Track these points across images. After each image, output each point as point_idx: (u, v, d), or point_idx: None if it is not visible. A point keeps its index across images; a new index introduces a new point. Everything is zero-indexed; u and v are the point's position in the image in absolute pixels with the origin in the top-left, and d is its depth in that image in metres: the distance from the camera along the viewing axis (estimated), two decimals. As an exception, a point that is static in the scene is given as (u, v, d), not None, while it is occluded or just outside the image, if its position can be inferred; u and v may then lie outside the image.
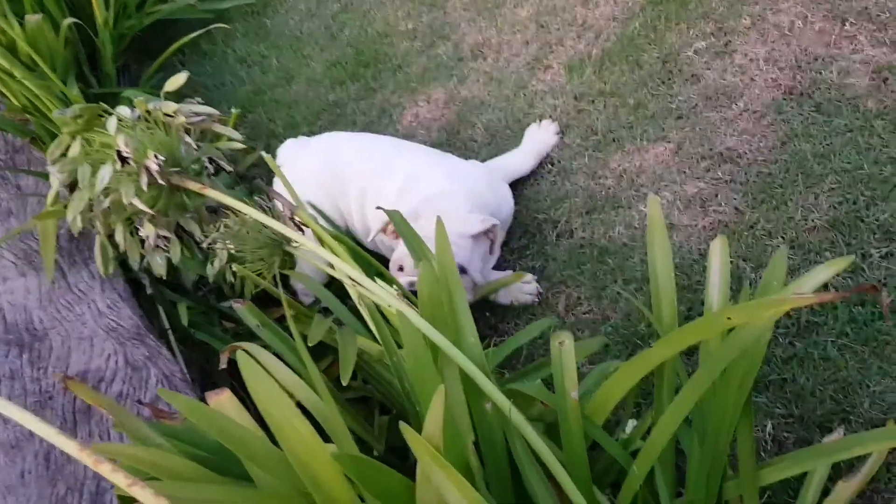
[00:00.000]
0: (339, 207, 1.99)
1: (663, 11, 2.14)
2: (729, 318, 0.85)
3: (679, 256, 1.69)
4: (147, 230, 1.08)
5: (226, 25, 3.13)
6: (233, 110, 2.12)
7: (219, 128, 1.14)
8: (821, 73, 1.81)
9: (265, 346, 1.79)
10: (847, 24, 1.87)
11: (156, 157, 1.05)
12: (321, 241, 1.34)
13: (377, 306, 1.27)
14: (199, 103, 1.12)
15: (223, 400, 1.02)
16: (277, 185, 1.74)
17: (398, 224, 1.54)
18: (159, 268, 1.12)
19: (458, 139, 2.27)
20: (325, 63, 2.86)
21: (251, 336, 1.81)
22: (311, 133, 2.64)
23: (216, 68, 3.20)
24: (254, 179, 2.65)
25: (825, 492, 1.18)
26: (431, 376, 1.00)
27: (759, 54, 1.93)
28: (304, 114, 2.74)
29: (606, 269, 1.76)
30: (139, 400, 1.32)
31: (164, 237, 1.10)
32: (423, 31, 2.67)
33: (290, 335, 1.81)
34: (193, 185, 1.12)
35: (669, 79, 2.00)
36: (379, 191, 1.86)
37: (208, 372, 1.90)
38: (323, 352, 1.64)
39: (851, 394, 1.34)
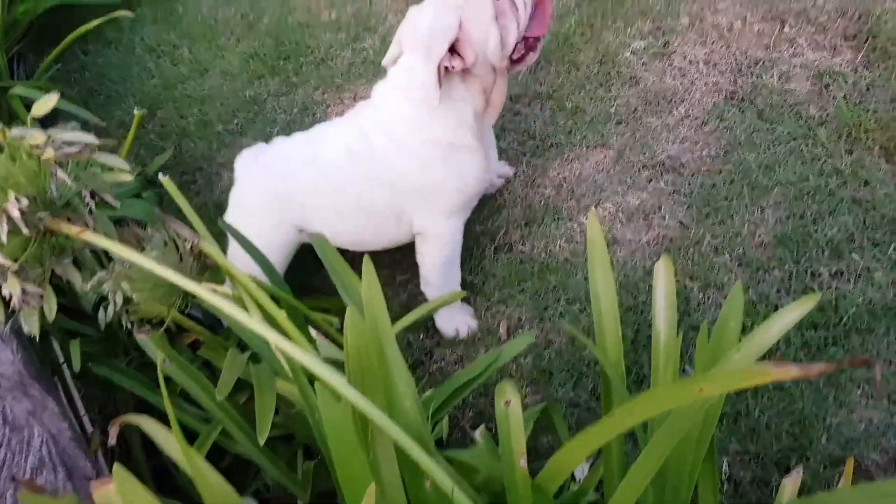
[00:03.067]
0: (296, 226, 1.65)
1: (600, 8, 2.03)
2: (701, 391, 0.75)
3: (623, 274, 1.59)
4: (11, 287, 0.89)
5: (130, 13, 2.85)
6: (135, 111, 1.90)
7: (102, 157, 0.96)
8: (761, 77, 1.74)
9: (162, 408, 1.61)
10: (786, 26, 1.81)
11: (17, 199, 0.86)
12: (231, 278, 1.17)
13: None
14: (73, 129, 0.94)
15: (107, 494, 0.85)
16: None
17: (322, 248, 1.39)
18: (33, 327, 0.94)
19: (387, 142, 2.12)
20: (241, 55, 2.64)
21: (153, 368, 1.62)
22: (226, 132, 2.44)
23: (122, 59, 2.92)
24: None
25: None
26: (359, 459, 0.87)
27: (699, 56, 1.85)
28: (218, 111, 2.52)
29: (548, 287, 1.65)
30: (13, 477, 1.13)
31: (37, 294, 0.92)
32: (348, 22, 2.49)
33: (203, 365, 1.65)
34: (70, 230, 0.94)
35: (608, 81, 1.90)
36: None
37: (109, 412, 1.70)
38: (240, 383, 1.49)
39: (808, 427, 1.28)
